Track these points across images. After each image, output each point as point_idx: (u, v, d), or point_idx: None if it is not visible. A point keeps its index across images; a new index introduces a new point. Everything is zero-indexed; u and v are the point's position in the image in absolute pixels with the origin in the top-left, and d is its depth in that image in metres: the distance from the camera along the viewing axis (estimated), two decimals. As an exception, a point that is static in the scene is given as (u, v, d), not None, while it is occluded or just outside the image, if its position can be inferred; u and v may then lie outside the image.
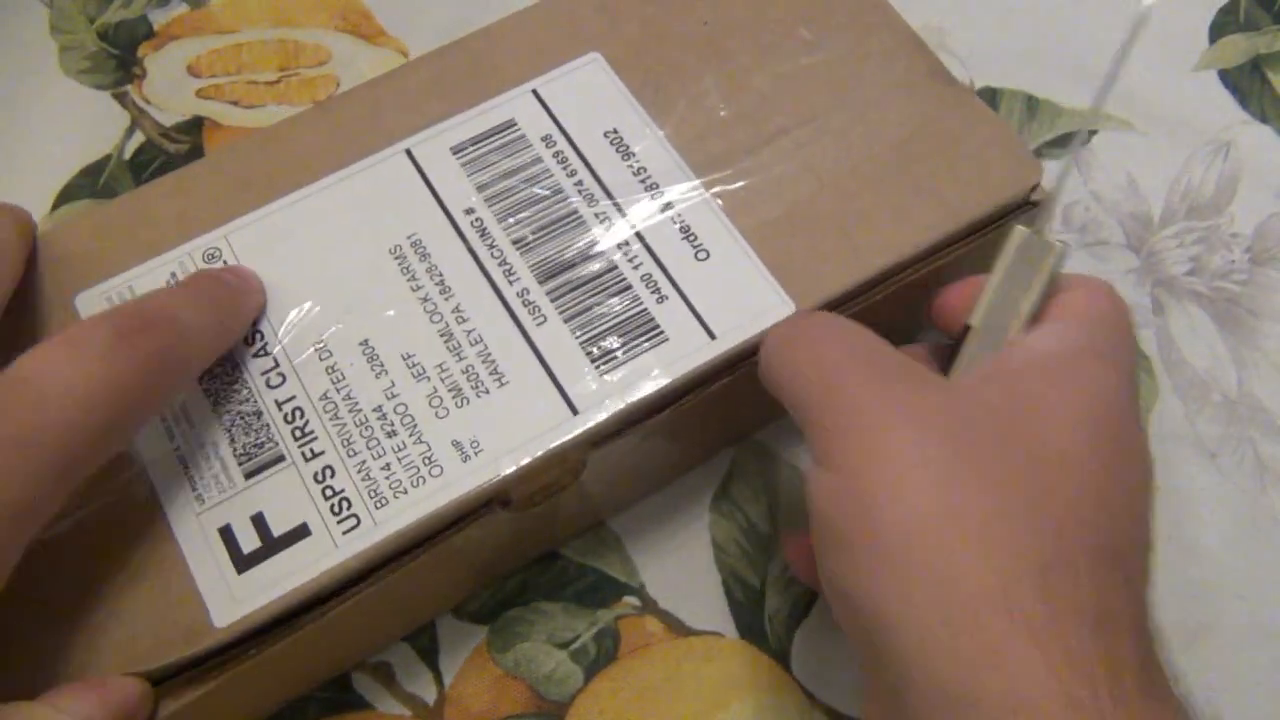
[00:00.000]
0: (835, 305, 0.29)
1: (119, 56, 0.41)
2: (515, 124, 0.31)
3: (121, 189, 0.38)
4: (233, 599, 0.26)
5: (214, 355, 0.28)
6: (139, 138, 0.39)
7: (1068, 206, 0.38)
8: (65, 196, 0.38)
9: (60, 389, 0.23)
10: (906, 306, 0.32)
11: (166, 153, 0.39)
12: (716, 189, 0.30)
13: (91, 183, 0.38)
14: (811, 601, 0.32)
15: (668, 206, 0.30)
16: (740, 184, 0.30)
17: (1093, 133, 0.39)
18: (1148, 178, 0.38)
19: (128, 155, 0.39)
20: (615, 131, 0.31)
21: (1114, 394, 0.24)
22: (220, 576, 0.26)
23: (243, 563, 0.26)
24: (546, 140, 0.31)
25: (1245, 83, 0.40)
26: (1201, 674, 0.31)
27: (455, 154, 0.31)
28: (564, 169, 0.31)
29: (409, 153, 0.31)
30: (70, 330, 0.24)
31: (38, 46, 0.41)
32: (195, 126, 0.39)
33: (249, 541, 0.26)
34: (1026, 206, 0.31)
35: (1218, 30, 0.41)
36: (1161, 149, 0.39)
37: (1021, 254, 0.26)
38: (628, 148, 0.31)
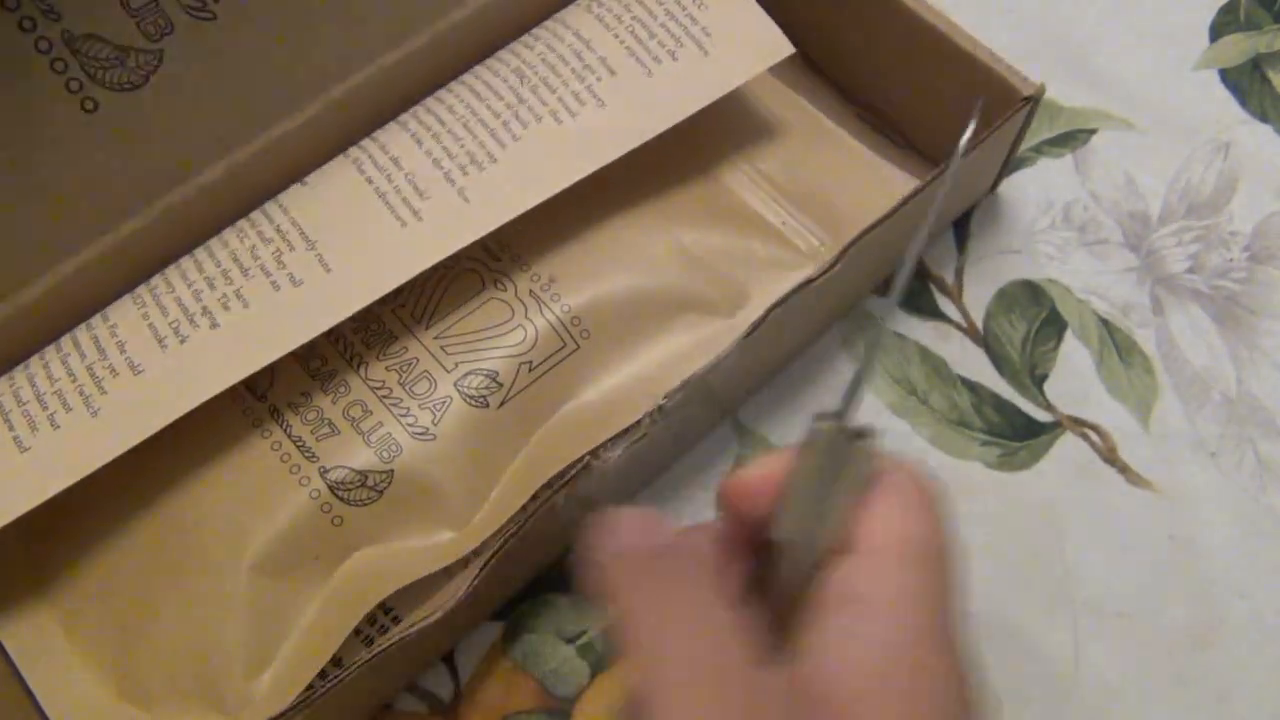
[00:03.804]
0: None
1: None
2: None
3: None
4: None
5: None
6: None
7: (1067, 205, 0.38)
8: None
9: None
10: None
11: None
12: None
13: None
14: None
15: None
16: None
17: (1092, 132, 0.39)
18: (1147, 176, 0.38)
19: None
20: None
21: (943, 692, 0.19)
22: None
23: None
24: None
25: (1245, 82, 0.40)
26: (1207, 675, 0.31)
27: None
28: None
29: None
30: None
31: None
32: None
33: None
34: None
35: (1218, 30, 0.41)
36: (1161, 148, 0.39)
37: (829, 456, 0.21)
38: None
